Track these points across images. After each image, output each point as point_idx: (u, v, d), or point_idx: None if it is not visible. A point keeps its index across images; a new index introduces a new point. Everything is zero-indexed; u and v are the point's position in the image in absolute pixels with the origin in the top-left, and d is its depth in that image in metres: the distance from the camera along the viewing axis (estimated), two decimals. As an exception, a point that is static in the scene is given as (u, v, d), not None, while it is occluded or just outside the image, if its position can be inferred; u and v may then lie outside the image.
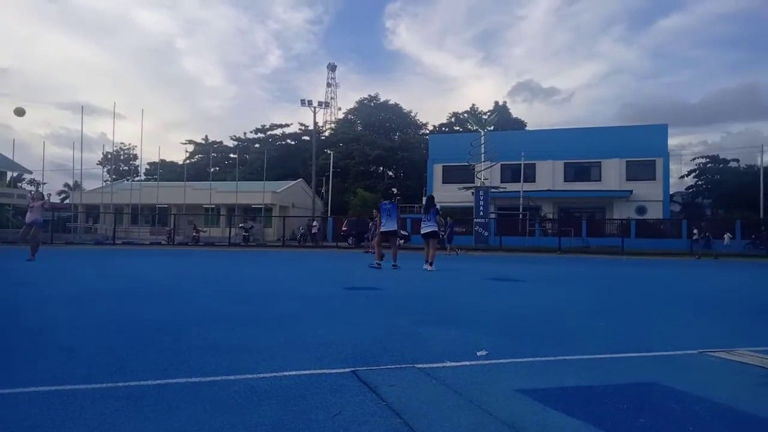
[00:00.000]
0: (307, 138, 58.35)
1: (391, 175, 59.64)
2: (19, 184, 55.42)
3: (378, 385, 2.46)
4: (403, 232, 31.57)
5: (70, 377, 2.53)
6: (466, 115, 58.53)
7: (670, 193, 40.27)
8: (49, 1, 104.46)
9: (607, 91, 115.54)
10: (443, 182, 41.69)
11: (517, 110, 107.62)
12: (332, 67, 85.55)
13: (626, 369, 3.00)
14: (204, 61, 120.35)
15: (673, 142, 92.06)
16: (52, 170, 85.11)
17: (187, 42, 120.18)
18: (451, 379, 2.61)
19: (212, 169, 52.11)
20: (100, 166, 57.48)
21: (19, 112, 15.44)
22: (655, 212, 36.88)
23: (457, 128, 59.01)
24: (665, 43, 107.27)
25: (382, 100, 62.87)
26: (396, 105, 62.80)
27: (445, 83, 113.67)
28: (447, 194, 39.88)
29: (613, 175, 38.49)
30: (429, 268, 10.85)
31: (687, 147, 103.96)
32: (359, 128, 61.69)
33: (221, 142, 67.85)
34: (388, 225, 11.63)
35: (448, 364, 2.93)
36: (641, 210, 36.97)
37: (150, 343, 3.37)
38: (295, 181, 48.89)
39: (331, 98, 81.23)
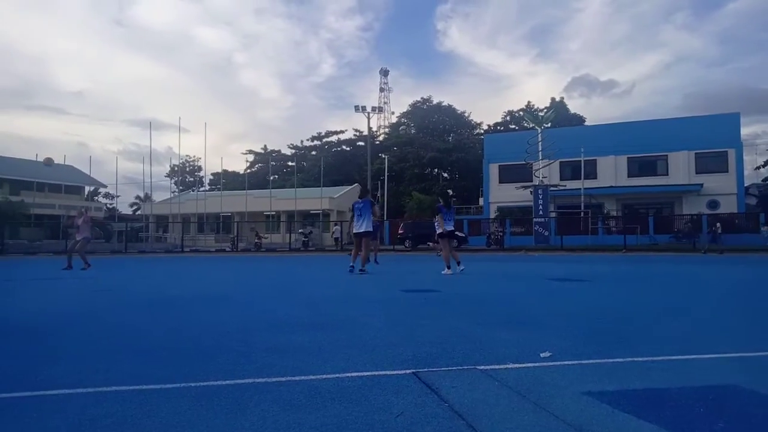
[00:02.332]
0: (361, 143, 59.01)
1: (446, 177, 59.28)
2: (96, 198, 59.11)
3: (439, 387, 2.45)
4: (459, 234, 31.35)
5: (147, 377, 2.68)
6: (521, 113, 57.31)
7: (745, 185, 37.75)
8: (117, 25, 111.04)
9: (670, 81, 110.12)
10: (500, 182, 40.98)
11: (574, 106, 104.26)
12: (384, 72, 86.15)
13: (701, 371, 2.85)
14: (261, 73, 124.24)
15: (746, 131, 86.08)
16: (125, 184, 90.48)
17: (244, 56, 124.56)
18: (514, 381, 2.57)
19: (272, 177, 53.62)
20: (168, 178, 60.46)
21: (48, 161, 16.46)
22: (728, 206, 34.68)
23: (513, 127, 57.93)
24: (733, 27, 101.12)
25: (435, 102, 62.72)
26: (449, 106, 62.45)
27: (498, 82, 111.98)
28: (504, 194, 39.20)
29: (681, 168, 36.55)
30: (446, 272, 10.13)
31: (762, 136, 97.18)
32: (413, 131, 61.75)
33: (279, 151, 69.77)
34: (358, 226, 10.34)
35: (511, 365, 2.88)
36: (713, 204, 34.86)
37: (219, 346, 3.51)
38: (351, 186, 49.49)
39: (384, 103, 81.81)
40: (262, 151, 69.88)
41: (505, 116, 62.39)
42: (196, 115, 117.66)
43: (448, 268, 10.12)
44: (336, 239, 33.86)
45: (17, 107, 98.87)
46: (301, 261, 18.94)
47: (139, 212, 57.76)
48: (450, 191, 55.88)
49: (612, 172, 38.18)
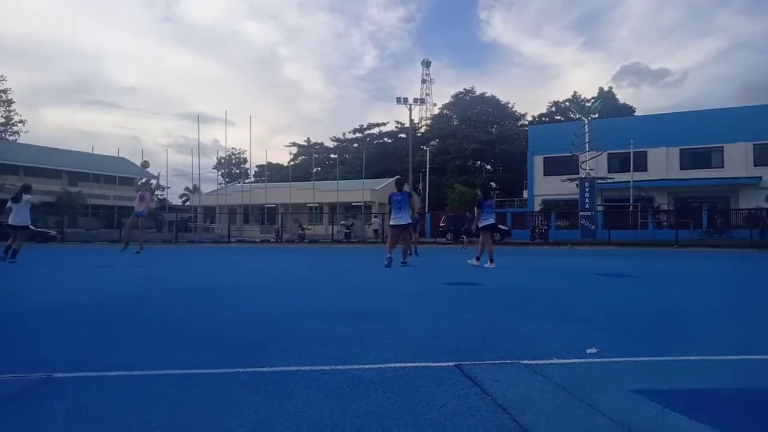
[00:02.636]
0: (403, 135, 58.91)
1: (489, 169, 58.51)
2: (135, 182, 61.32)
3: (482, 380, 2.45)
4: (502, 227, 30.92)
5: (197, 362, 2.78)
6: (567, 103, 55.80)
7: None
8: (166, 21, 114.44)
9: (726, 70, 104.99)
10: (545, 174, 40.14)
11: (623, 95, 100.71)
12: (427, 64, 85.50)
13: (758, 372, 2.73)
14: (304, 66, 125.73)
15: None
16: (174, 175, 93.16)
17: (288, 49, 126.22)
18: (559, 377, 2.53)
19: (314, 170, 54.32)
20: (215, 170, 62.14)
21: (145, 164, 17.04)
22: (791, 200, 32.80)
23: (558, 118, 56.54)
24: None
25: (478, 93, 61.86)
26: (492, 97, 61.49)
27: (543, 72, 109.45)
28: (549, 186, 38.38)
29: (737, 160, 34.81)
30: (489, 265, 9.95)
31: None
32: (455, 123, 61.16)
33: (322, 143, 70.52)
34: (398, 218, 10.14)
35: (556, 361, 2.84)
36: (774, 198, 33.07)
37: (264, 334, 3.61)
38: (392, 179, 49.25)
39: (426, 94, 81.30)
40: (306, 144, 70.81)
41: (551, 107, 60.97)
42: (242, 109, 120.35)
43: (491, 261, 10.00)
44: (375, 231, 34.03)
45: (75, 102, 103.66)
46: (344, 252, 19.14)
47: (188, 203, 59.67)
48: (493, 183, 55.17)
49: (663, 164, 36.76)
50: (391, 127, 64.46)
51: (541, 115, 60.25)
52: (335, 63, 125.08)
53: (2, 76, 63.34)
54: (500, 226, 31.29)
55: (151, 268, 9.82)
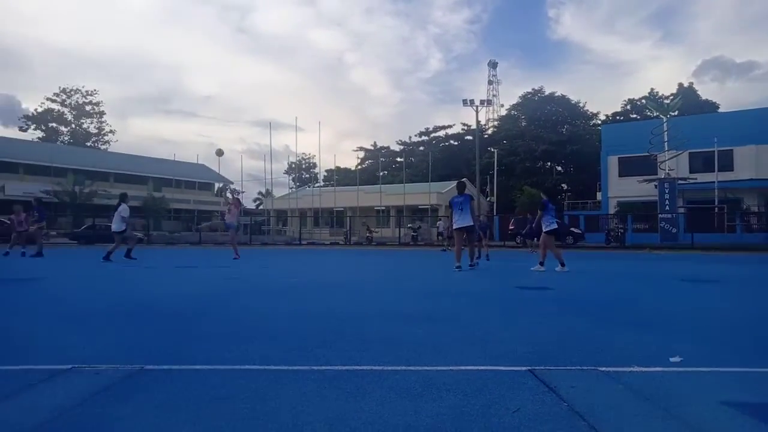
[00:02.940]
0: (469, 137, 58.26)
1: (560, 170, 56.64)
2: (224, 194, 64.33)
3: (557, 386, 2.39)
4: (575, 230, 29.84)
5: (274, 359, 2.90)
6: (643, 101, 52.99)
7: None
8: (240, 32, 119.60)
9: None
10: (620, 175, 38.31)
11: (705, 91, 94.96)
12: (493, 65, 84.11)
13: None
14: (370, 71, 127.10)
15: None
16: (248, 180, 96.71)
17: (355, 55, 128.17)
18: (640, 385, 2.42)
19: (381, 173, 54.83)
20: (286, 175, 64.14)
21: (219, 152, 18.06)
22: None
23: (634, 116, 53.85)
24: None
25: (547, 93, 60.05)
26: (563, 96, 59.47)
27: (617, 69, 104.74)
28: (625, 187, 36.62)
29: (837, 157, 31.66)
30: (561, 268, 9.58)
31: None
32: (523, 124, 59.69)
33: (388, 147, 71.00)
34: (461, 221, 9.97)
35: (636, 369, 2.72)
36: None
37: (337, 333, 3.70)
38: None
39: (493, 95, 80.00)
40: (372, 148, 71.61)
41: (625, 105, 58.16)
42: (311, 115, 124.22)
43: (563, 264, 9.68)
44: (439, 234, 33.83)
45: (158, 112, 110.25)
46: (411, 255, 19.19)
47: (261, 207, 61.94)
48: (564, 185, 53.41)
49: (752, 163, 34.04)
50: (457, 129, 63.96)
51: (615, 114, 57.60)
52: (401, 67, 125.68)
53: (95, 90, 68.80)
54: (573, 229, 30.23)
55: (230, 269, 10.29)
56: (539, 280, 8.15)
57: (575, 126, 58.00)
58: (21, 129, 66.43)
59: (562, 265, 9.67)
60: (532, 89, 61.42)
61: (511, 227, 32.03)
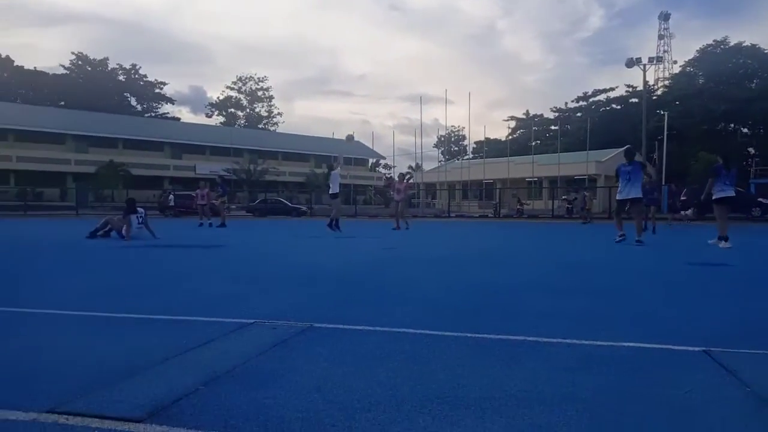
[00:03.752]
0: (635, 100, 52.98)
1: (746, 133, 49.00)
2: (377, 168, 67.11)
3: (738, 369, 2.16)
4: (764, 201, 25.77)
5: (429, 325, 3.01)
6: None
7: None
8: (392, 9, 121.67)
9: None
10: (830, 135, 32.07)
11: None
12: (665, 17, 74.60)
13: None
14: (522, 37, 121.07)
15: None
16: (399, 155, 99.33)
17: (506, 21, 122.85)
18: None
19: (533, 143, 52.55)
20: (435, 149, 64.70)
21: (349, 139, 18.72)
22: None
23: None
24: None
25: (732, 44, 51.92)
26: (753, 46, 50.84)
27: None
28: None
29: None
30: (722, 244, 8.27)
31: None
32: (701, 81, 52.45)
33: (542, 115, 67.60)
34: (626, 191, 9.18)
35: (843, 358, 2.34)
36: None
37: (489, 304, 3.72)
38: (621, 149, 44.96)
39: (664, 52, 71.21)
40: (524, 117, 68.79)
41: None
42: (461, 86, 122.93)
43: (726, 240, 8.40)
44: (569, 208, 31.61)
45: (317, 93, 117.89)
46: (566, 228, 18.26)
47: (411, 180, 63.43)
48: (751, 149, 46.24)
49: None
50: (620, 92, 58.38)
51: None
52: (556, 29, 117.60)
53: (265, 77, 75.78)
54: (761, 199, 26.13)
55: (384, 240, 10.79)
56: (716, 255, 7.25)
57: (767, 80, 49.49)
58: (207, 115, 76.47)
59: (725, 240, 8.41)
60: (714, 41, 53.39)
61: (682, 198, 28.80)
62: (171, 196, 30.96)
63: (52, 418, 1.67)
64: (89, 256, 7.58)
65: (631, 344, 2.57)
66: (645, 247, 8.80)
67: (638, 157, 9.84)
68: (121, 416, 1.68)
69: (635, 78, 74.25)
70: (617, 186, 9.71)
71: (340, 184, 13.10)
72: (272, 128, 76.14)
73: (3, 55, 61.46)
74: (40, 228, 16.10)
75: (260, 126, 75.19)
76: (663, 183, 37.74)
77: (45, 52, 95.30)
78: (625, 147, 10.81)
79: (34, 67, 62.80)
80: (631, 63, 35.21)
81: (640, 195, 9.31)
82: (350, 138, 17.99)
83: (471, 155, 67.29)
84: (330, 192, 13.10)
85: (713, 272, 5.68)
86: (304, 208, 34.94)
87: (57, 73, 63.41)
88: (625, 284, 4.76)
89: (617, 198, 9.68)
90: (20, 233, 13.51)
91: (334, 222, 12.67)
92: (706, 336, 2.73)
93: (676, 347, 2.52)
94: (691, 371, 2.16)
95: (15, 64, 62.15)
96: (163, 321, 3.17)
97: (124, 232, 10.11)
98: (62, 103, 60.55)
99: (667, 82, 61.55)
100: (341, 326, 2.98)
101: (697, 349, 2.48)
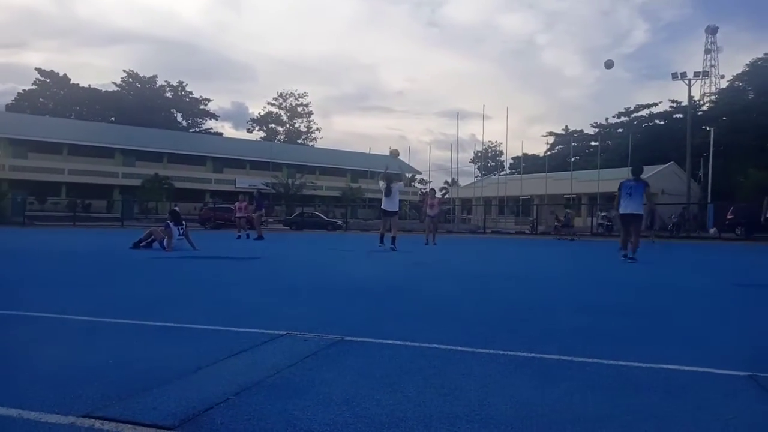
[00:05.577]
0: (679, 115, 51.43)
1: (802, 149, 46.77)
2: (413, 183, 67.16)
3: (788, 397, 2.04)
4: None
5: (460, 341, 2.96)
6: None
7: None
8: (431, 26, 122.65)
9: None
10: None
11: None
12: (712, 30, 72.40)
13: None
14: (564, 51, 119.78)
15: None
16: (435, 170, 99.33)
17: (547, 36, 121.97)
18: None
19: (572, 159, 51.61)
20: (472, 164, 64.40)
21: (395, 153, 17.09)
22: None
23: None
24: None
25: (785, 57, 49.96)
26: (810, 58, 48.91)
27: None
28: None
29: None
30: None
31: None
32: (750, 96, 50.58)
33: (581, 131, 66.42)
34: (625, 206, 9.29)
35: None
36: None
37: (523, 321, 3.65)
38: (664, 165, 43.87)
39: (711, 66, 69.09)
40: (563, 132, 67.71)
41: None
42: (498, 102, 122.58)
43: None
44: (600, 224, 30.79)
45: (356, 109, 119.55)
46: (604, 246, 17.79)
47: (446, 196, 63.16)
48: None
49: None
50: (663, 107, 56.89)
51: None
52: (598, 44, 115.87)
53: (305, 93, 77.52)
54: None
55: (415, 255, 10.76)
56: (763, 277, 6.93)
57: (822, 94, 47.30)
58: (248, 131, 78.72)
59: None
60: (765, 54, 51.63)
61: (729, 216, 27.70)
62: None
63: (88, 423, 1.72)
64: (130, 265, 7.83)
65: (672, 366, 2.47)
66: (688, 267, 8.49)
67: (643, 175, 9.71)
68: (154, 423, 1.71)
69: (680, 93, 72.06)
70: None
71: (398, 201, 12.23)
72: (311, 143, 77.47)
73: (61, 74, 64.90)
74: (86, 238, 16.75)
75: (299, 141, 76.61)
76: (710, 201, 36.46)
77: (100, 70, 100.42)
78: (635, 164, 10.75)
79: (89, 85, 66.15)
80: (675, 77, 34.28)
81: (640, 211, 9.37)
82: (395, 153, 16.69)
83: (508, 171, 66.60)
84: (389, 209, 12.24)
85: (763, 294, 5.42)
86: (339, 222, 35.20)
87: (109, 90, 66.45)
88: (666, 304, 4.60)
89: (619, 213, 9.68)
90: (68, 243, 14.09)
91: (393, 240, 11.90)
92: (752, 360, 2.60)
93: (720, 371, 2.41)
94: (735, 397, 2.06)
95: (71, 82, 65.46)
96: (197, 330, 3.24)
97: (165, 243, 10.41)
98: (113, 118, 63.31)
99: (713, 97, 59.63)
100: (372, 340, 2.97)
101: (741, 373, 2.37)
